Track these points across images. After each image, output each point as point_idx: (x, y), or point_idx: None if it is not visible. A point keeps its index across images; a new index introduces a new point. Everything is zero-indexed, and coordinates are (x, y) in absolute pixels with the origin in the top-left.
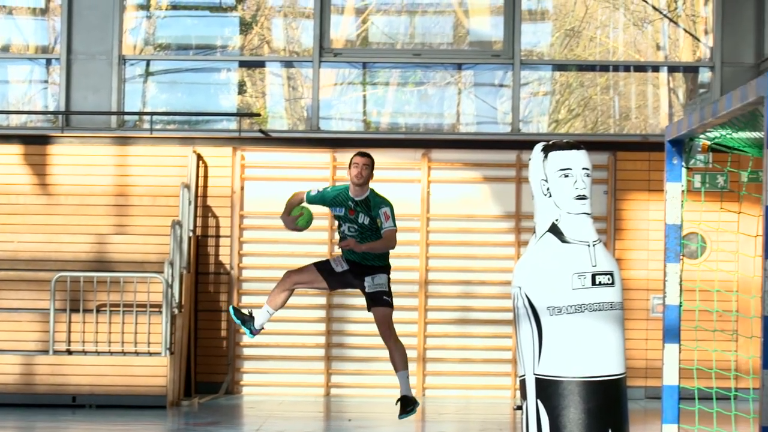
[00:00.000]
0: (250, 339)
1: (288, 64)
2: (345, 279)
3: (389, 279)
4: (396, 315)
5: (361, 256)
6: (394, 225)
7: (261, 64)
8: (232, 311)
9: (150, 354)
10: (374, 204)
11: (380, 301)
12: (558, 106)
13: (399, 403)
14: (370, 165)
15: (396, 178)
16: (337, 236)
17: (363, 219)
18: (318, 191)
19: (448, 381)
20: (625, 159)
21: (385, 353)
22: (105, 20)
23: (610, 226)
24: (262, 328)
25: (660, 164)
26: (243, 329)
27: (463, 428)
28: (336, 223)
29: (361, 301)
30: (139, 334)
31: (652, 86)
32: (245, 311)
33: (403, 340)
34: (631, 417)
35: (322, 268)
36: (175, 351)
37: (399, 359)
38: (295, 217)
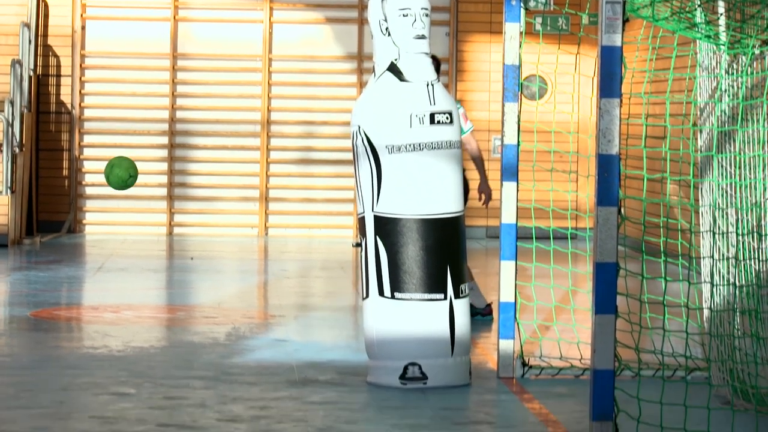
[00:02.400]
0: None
1: None
2: None
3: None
4: (238, 155)
5: None
6: (472, 125)
7: None
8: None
9: None
10: None
11: None
12: None
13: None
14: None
15: (238, 18)
16: None
17: None
18: None
19: (290, 220)
20: (467, 1)
21: (227, 192)
22: None
23: (451, 68)
24: (486, 305)
25: (502, 6)
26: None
27: (304, 266)
28: None
29: (204, 140)
30: None
31: None
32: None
33: (246, 181)
34: (472, 255)
35: None
36: (16, 190)
37: None
38: None
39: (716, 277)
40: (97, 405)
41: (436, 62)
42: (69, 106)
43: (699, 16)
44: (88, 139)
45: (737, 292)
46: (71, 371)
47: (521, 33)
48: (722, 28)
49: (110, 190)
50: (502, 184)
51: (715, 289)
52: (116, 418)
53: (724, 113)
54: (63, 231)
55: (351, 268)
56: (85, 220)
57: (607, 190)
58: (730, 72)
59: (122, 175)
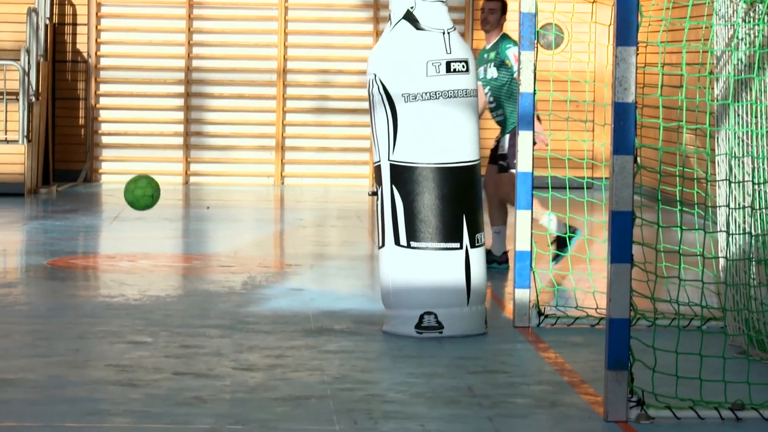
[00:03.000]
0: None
1: None
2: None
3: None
4: (254, 104)
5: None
6: None
7: None
8: (558, 259)
9: (7, 142)
10: (502, 46)
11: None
12: None
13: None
14: (497, 9)
15: None
16: None
17: (491, 73)
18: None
19: (306, 169)
20: None
21: (243, 142)
22: None
23: (468, 17)
24: (503, 252)
25: None
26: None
27: (320, 215)
28: None
29: (220, 89)
30: None
31: None
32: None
33: (262, 130)
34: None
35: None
36: (32, 139)
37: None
38: None
39: (732, 226)
40: (114, 353)
41: (503, 4)
42: (85, 54)
43: None
44: (104, 88)
45: (753, 241)
46: (88, 320)
47: None
48: None
49: (127, 139)
50: (518, 134)
51: (731, 238)
52: (132, 366)
53: (741, 62)
54: (79, 180)
55: (367, 217)
56: (102, 170)
57: (623, 139)
58: (746, 20)
59: (146, 192)
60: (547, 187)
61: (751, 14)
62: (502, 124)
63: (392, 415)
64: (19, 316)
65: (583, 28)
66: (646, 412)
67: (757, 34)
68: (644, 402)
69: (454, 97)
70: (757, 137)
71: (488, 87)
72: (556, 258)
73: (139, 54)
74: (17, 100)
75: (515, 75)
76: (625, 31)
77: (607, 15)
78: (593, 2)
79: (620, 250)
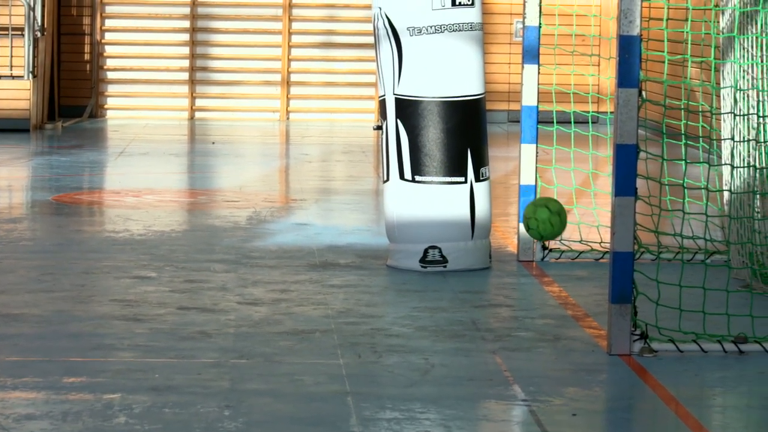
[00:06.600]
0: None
1: None
2: None
3: None
4: (260, 39)
5: None
6: None
7: None
8: None
9: (12, 77)
10: None
11: None
12: None
13: None
14: None
15: None
16: None
17: None
18: None
19: (311, 104)
20: None
21: (249, 77)
22: None
23: None
24: None
25: None
26: None
27: (326, 150)
28: None
29: (226, 24)
30: (0, 57)
31: None
32: None
33: (267, 65)
34: (493, 139)
35: None
36: (38, 74)
37: None
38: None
39: (736, 160)
40: (119, 288)
41: None
42: None
43: None
44: (109, 23)
45: (757, 174)
46: (93, 255)
47: None
48: None
49: (133, 75)
50: (523, 67)
51: (735, 172)
52: (137, 301)
53: None
54: (85, 116)
55: (372, 152)
56: (107, 105)
57: (628, 72)
58: None
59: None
60: (552, 122)
61: None
62: None
63: (396, 349)
64: (24, 251)
65: None
66: (650, 345)
67: None
68: (648, 335)
69: (460, 30)
70: (762, 70)
71: None
72: None
73: None
74: (22, 35)
75: None
76: None
77: None
78: None
79: (625, 184)
